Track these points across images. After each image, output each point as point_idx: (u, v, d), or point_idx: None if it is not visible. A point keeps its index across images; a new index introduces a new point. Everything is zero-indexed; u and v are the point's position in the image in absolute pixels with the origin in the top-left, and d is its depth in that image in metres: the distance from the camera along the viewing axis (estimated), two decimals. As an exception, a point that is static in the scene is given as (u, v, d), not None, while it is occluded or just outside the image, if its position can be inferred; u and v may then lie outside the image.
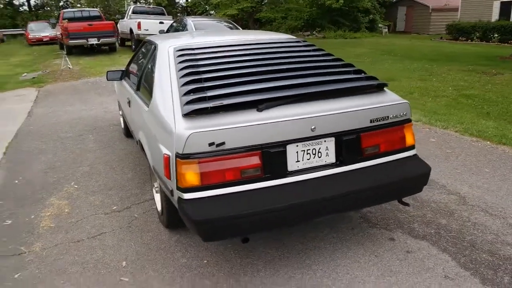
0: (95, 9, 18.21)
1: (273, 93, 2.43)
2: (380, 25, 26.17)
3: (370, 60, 13.24)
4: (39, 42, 19.82)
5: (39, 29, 20.20)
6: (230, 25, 11.04)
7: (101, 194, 3.61)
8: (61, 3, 27.12)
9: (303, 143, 2.35)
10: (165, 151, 2.30)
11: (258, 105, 2.31)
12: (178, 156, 2.14)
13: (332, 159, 2.44)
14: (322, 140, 2.39)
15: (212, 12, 24.03)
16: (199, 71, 2.64)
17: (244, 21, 22.28)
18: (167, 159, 2.24)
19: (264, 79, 2.59)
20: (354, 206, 2.54)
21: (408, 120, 2.64)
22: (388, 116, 2.54)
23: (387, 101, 2.57)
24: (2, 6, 25.85)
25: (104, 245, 2.83)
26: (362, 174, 2.48)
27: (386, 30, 25.99)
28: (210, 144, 2.13)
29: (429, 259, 2.53)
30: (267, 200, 2.23)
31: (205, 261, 2.61)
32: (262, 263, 2.57)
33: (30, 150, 4.87)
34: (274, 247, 2.73)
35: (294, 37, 3.54)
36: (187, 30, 10.46)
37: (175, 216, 2.56)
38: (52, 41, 19.45)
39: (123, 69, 4.42)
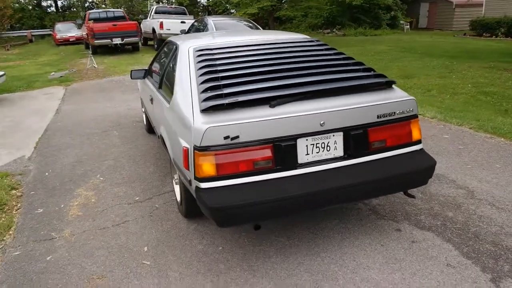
0: (119, 9, 18.67)
1: (285, 90, 2.59)
2: (401, 22, 25.86)
3: (390, 57, 13.18)
4: (66, 42, 20.49)
5: (65, 30, 20.87)
6: (250, 25, 11.21)
7: (124, 186, 3.85)
8: (86, 4, 27.92)
9: (312, 137, 2.50)
10: (184, 144, 2.49)
11: (270, 102, 2.48)
12: (196, 148, 2.33)
13: (340, 152, 2.59)
14: (331, 134, 2.54)
15: (233, 11, 24.26)
16: (217, 70, 2.82)
17: (264, 19, 22.40)
18: (186, 151, 2.44)
19: (277, 77, 2.75)
20: (360, 197, 2.68)
21: (415, 116, 2.76)
22: (394, 112, 2.66)
23: (394, 98, 2.69)
24: (30, 7, 26.77)
25: (127, 232, 3.05)
26: (368, 167, 2.61)
27: (408, 26, 25.67)
28: (225, 138, 2.31)
29: (433, 249, 2.65)
30: (277, 189, 2.39)
31: (220, 248, 2.79)
32: (274, 250, 2.74)
33: (59, 145, 5.17)
34: (285, 235, 2.89)
35: (308, 37, 3.68)
36: (207, 29, 10.69)
37: (193, 206, 2.75)
38: (78, 41, 20.08)
39: (146, 68, 4.66)
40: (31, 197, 3.72)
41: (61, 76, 11.06)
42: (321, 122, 2.48)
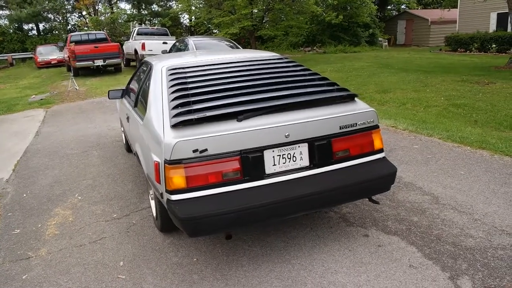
0: (101, 32, 18.83)
1: (252, 105, 2.74)
2: (380, 39, 26.63)
3: (367, 73, 13.56)
4: (48, 65, 20.49)
5: (47, 52, 20.90)
6: (231, 44, 11.46)
7: (102, 204, 3.90)
8: (68, 27, 28.04)
9: (278, 148, 2.64)
10: (155, 158, 2.60)
11: (237, 116, 2.62)
12: (166, 162, 2.44)
13: (306, 162, 2.72)
14: (296, 145, 2.68)
15: (215, 31, 24.68)
16: (187, 87, 2.95)
17: (246, 39, 22.82)
18: (157, 165, 2.54)
19: (245, 93, 2.90)
20: (326, 204, 2.81)
21: (376, 126, 2.92)
22: (356, 123, 2.82)
23: (355, 110, 2.86)
24: (11, 31, 26.74)
25: (104, 248, 3.11)
26: (333, 175, 2.76)
27: (386, 43, 26.43)
28: (194, 151, 2.43)
29: (398, 251, 2.78)
30: (245, 199, 2.51)
31: (195, 259, 2.87)
32: (246, 259, 2.83)
33: (38, 166, 5.20)
34: (258, 245, 2.99)
35: (278, 55, 3.85)
36: (188, 49, 10.88)
37: (168, 220, 2.83)
38: (60, 63, 20.10)
39: (124, 88, 4.77)
40: (8, 218, 3.75)
41: (41, 99, 11.07)
42: (286, 134, 2.62)
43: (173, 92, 2.90)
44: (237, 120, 2.61)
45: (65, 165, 5.20)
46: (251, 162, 2.56)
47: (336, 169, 2.78)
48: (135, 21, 24.75)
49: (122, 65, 17.23)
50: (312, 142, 2.71)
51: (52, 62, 20.41)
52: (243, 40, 24.54)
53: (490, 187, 3.70)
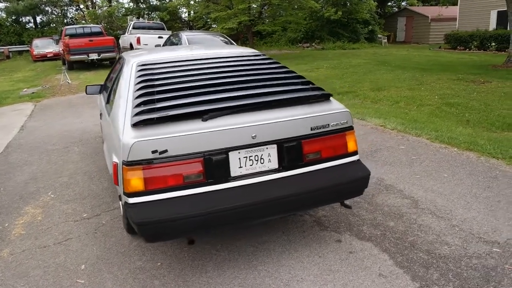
0: (96, 25, 18.66)
1: (219, 103, 2.62)
2: (379, 35, 26.42)
3: (364, 70, 13.41)
4: (43, 58, 20.33)
5: (43, 46, 20.73)
6: (225, 40, 11.32)
7: (74, 203, 3.80)
8: (66, 20, 27.84)
9: (245, 150, 2.52)
10: (114, 159, 2.49)
11: (203, 115, 2.50)
12: (124, 163, 2.32)
13: (274, 165, 2.61)
14: (264, 147, 2.56)
15: (214, 25, 24.51)
16: (154, 84, 2.83)
17: (244, 34, 22.66)
18: (115, 166, 2.43)
19: (214, 91, 2.78)
20: (295, 208, 2.69)
21: (350, 128, 2.80)
22: (328, 124, 2.70)
23: (328, 110, 2.74)
24: (8, 24, 26.55)
25: (68, 250, 3.00)
26: (303, 178, 2.64)
27: (386, 40, 26.23)
28: (153, 152, 2.31)
29: (369, 259, 2.67)
30: (208, 203, 2.39)
31: (159, 264, 2.77)
32: (212, 264, 2.73)
33: (16, 162, 5.09)
34: (227, 249, 2.88)
35: (257, 52, 3.72)
36: (181, 44, 10.75)
37: None
38: (56, 57, 19.94)
39: (102, 83, 4.65)
40: (-23, 216, 3.65)
41: (33, 93, 10.95)
42: (253, 135, 2.50)
43: (138, 89, 2.77)
44: (202, 120, 2.49)
45: (43, 161, 5.09)
46: (215, 164, 2.44)
47: (306, 172, 2.67)
48: (133, 15, 24.56)
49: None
50: (281, 144, 2.59)
51: (48, 55, 20.25)
52: (241, 36, 24.39)
53: (472, 191, 3.58)
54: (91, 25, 18.72)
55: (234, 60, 3.36)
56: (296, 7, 19.39)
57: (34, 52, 20.29)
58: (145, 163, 2.32)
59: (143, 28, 17.04)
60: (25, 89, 11.68)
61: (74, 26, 18.05)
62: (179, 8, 20.50)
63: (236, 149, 2.49)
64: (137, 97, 2.68)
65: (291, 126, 2.61)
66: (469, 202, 3.38)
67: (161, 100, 2.64)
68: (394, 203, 3.43)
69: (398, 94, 9.21)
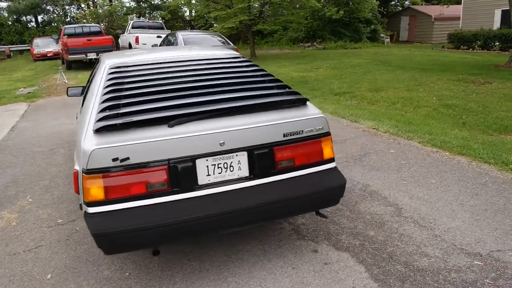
0: (95, 24, 18.62)
1: (189, 109, 2.51)
2: (382, 35, 26.21)
3: (363, 70, 13.27)
4: (44, 57, 20.32)
5: (44, 45, 20.73)
6: (222, 39, 11.23)
7: (51, 208, 3.71)
8: (67, 19, 27.85)
9: (213, 157, 2.41)
10: (76, 166, 2.39)
11: (169, 121, 2.39)
12: (83, 171, 2.22)
13: (245, 172, 2.50)
14: (234, 154, 2.45)
15: (216, 25, 24.43)
16: (123, 88, 2.73)
17: (244, 33, 22.54)
18: (75, 174, 2.33)
19: (185, 95, 2.67)
20: (267, 218, 2.58)
21: (327, 134, 2.69)
22: (302, 130, 2.59)
23: (302, 116, 2.62)
24: (10, 23, 26.60)
25: (37, 257, 2.92)
26: (275, 187, 2.53)
27: (388, 40, 26.02)
28: (114, 160, 2.21)
29: (344, 271, 2.56)
30: (173, 213, 2.29)
31: (127, 274, 2.67)
32: (181, 275, 2.63)
33: (0, 165, 5.02)
34: (199, 259, 2.78)
35: (236, 54, 3.60)
36: (177, 43, 10.66)
37: None
38: (56, 56, 19.91)
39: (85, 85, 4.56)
40: (-49, 221, 3.57)
41: (29, 92, 10.91)
42: (221, 142, 2.39)
43: (106, 93, 2.68)
44: (168, 126, 2.39)
45: (27, 163, 5.02)
46: (180, 172, 2.34)
47: (279, 181, 2.56)
48: (134, 14, 24.50)
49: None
50: (251, 151, 2.48)
51: (48, 55, 20.23)
52: (243, 35, 24.28)
53: (459, 199, 3.46)
54: (90, 24, 18.68)
55: (211, 63, 3.25)
56: (297, 6, 19.24)
57: (34, 52, 20.29)
58: (105, 171, 2.22)
59: (142, 27, 16.99)
60: (22, 89, 11.65)
61: (73, 25, 17.99)
62: (181, 7, 20.35)
63: (204, 157, 2.39)
64: (103, 102, 2.58)
65: (262, 132, 2.50)
66: (454, 210, 3.26)
67: (128, 104, 2.54)
68: (377, 211, 3.32)
69: (395, 95, 9.08)
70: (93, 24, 18.51)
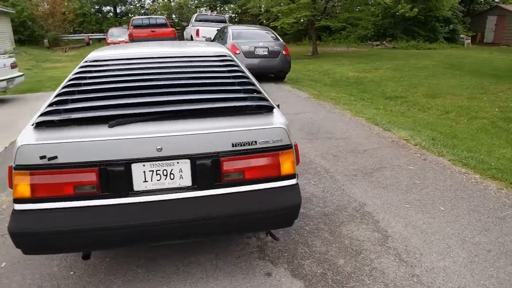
0: (161, 16, 19.31)
1: (137, 109, 2.36)
2: (461, 35, 24.14)
3: (427, 74, 12.28)
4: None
5: (118, 34, 21.96)
6: (272, 34, 11.01)
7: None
8: (143, 11, 29.34)
9: (150, 163, 2.25)
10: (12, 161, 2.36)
11: (109, 121, 2.27)
12: (13, 167, 2.18)
13: (187, 182, 2.30)
14: (174, 161, 2.27)
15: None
16: (82, 83, 2.66)
17: (306, 29, 22.03)
18: (10, 168, 2.29)
19: (141, 94, 2.53)
20: (207, 233, 2.36)
21: (286, 147, 2.38)
22: (255, 141, 2.32)
23: (256, 125, 2.35)
24: (91, 13, 28.65)
25: (3, 244, 2.97)
26: (219, 200, 2.30)
27: (469, 41, 23.87)
28: (42, 157, 2.13)
29: (286, 304, 2.27)
30: (102, 218, 2.17)
31: (71, 273, 2.61)
32: (122, 282, 2.51)
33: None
34: (146, 267, 2.64)
35: (222, 52, 3.35)
36: (226, 37, 10.65)
37: None
38: (127, 45, 21.01)
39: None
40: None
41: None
42: (158, 147, 2.21)
43: (64, 87, 2.62)
44: (108, 126, 2.26)
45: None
46: (112, 176, 2.19)
47: (224, 194, 2.32)
48: (204, 8, 25.07)
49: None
50: (195, 160, 2.28)
51: (120, 43, 21.44)
52: (309, 31, 23.77)
53: (463, 233, 2.94)
54: (157, 16, 19.40)
55: (187, 61, 3.08)
56: (369, 2, 18.34)
57: (108, 40, 21.61)
58: (34, 169, 2.15)
59: (206, 20, 17.26)
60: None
61: (141, 17, 18.83)
62: (249, 2, 20.37)
63: (140, 161, 2.23)
64: (56, 95, 2.53)
65: (206, 140, 2.27)
66: (450, 246, 2.77)
67: (77, 100, 2.45)
68: (360, 236, 2.93)
69: (453, 103, 8.24)
70: (159, 16, 19.22)
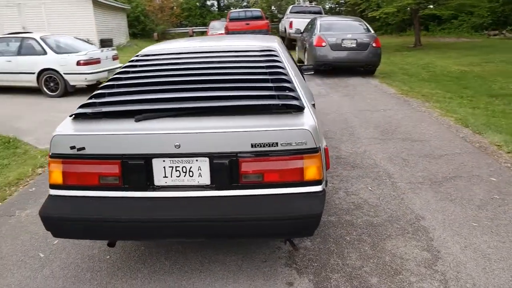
0: (257, 9, 19.53)
1: (162, 104, 2.39)
2: None
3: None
4: (216, 39, 22.45)
5: (218, 27, 22.79)
6: (364, 26, 10.43)
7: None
8: (244, 3, 30.06)
9: (170, 159, 2.25)
10: None
11: (135, 116, 2.32)
12: (50, 155, 2.35)
13: (206, 180, 2.26)
14: (193, 159, 2.24)
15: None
16: (123, 77, 2.77)
17: (411, 19, 20.41)
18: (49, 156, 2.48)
19: (177, 89, 2.54)
20: (219, 234, 2.30)
21: (311, 150, 2.19)
22: (277, 143, 2.17)
23: (279, 125, 2.19)
24: (196, 7, 30.20)
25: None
26: (236, 202, 2.22)
27: None
28: (72, 148, 2.26)
29: (298, 320, 2.10)
30: (122, 210, 2.24)
31: (108, 257, 2.75)
32: (148, 271, 2.56)
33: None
34: (175, 259, 2.67)
35: (270, 47, 3.18)
36: (314, 29, 10.39)
37: None
38: (226, 38, 21.76)
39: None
40: None
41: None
42: (176, 144, 2.20)
43: (108, 80, 2.76)
44: (135, 120, 2.31)
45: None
46: (133, 169, 2.24)
47: (241, 196, 2.23)
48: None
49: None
50: (213, 158, 2.22)
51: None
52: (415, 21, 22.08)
53: (536, 265, 2.42)
54: (253, 9, 19.69)
55: (229, 56, 3.01)
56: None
57: (209, 33, 22.58)
58: (65, 158, 2.29)
59: (301, 12, 17.03)
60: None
61: (238, 10, 19.31)
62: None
63: (160, 157, 2.24)
64: (99, 88, 2.67)
65: (225, 139, 2.19)
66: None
67: (113, 94, 2.56)
68: (405, 254, 2.60)
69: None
70: (256, 9, 19.49)
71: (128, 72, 2.84)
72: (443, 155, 4.32)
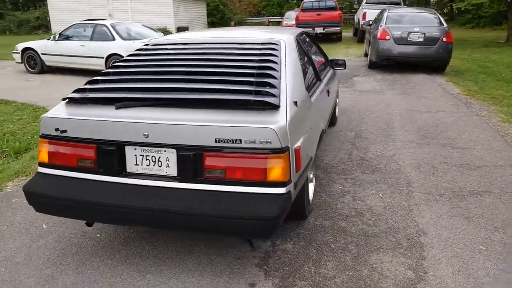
0: (332, 0, 18.89)
1: (143, 93, 2.44)
2: None
3: None
4: (291, 28, 22.25)
5: (294, 17, 22.62)
6: (436, 17, 9.63)
7: None
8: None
9: (141, 147, 2.30)
10: None
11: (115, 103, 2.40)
12: (40, 135, 2.52)
13: (173, 172, 2.27)
14: (162, 149, 2.26)
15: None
16: (122, 65, 2.87)
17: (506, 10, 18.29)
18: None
19: (164, 79, 2.59)
20: (177, 227, 2.32)
21: (277, 150, 2.09)
22: (241, 140, 2.11)
23: (243, 122, 2.12)
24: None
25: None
26: (198, 196, 2.20)
27: None
28: (56, 130, 2.41)
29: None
30: (94, 192, 2.34)
31: (98, 235, 2.89)
32: (125, 253, 2.65)
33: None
34: (155, 245, 2.73)
35: (275, 40, 3.02)
36: (381, 20, 9.83)
37: None
38: (300, 28, 21.47)
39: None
40: None
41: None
42: (145, 134, 2.24)
43: (108, 68, 2.88)
44: (115, 108, 2.39)
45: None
46: (107, 154, 2.33)
47: (203, 190, 2.21)
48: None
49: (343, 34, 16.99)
50: (179, 150, 2.22)
51: (292, 26, 22.02)
52: (509, 13, 19.85)
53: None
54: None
55: (230, 48, 2.96)
56: None
57: (283, 23, 22.45)
58: (50, 138, 2.45)
59: (377, 3, 16.17)
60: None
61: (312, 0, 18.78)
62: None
63: (132, 145, 2.31)
64: (99, 74, 2.79)
65: (190, 132, 2.18)
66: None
67: (105, 81, 2.67)
68: (388, 270, 2.38)
69: None
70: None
71: (129, 61, 2.93)
72: (481, 166, 3.86)
